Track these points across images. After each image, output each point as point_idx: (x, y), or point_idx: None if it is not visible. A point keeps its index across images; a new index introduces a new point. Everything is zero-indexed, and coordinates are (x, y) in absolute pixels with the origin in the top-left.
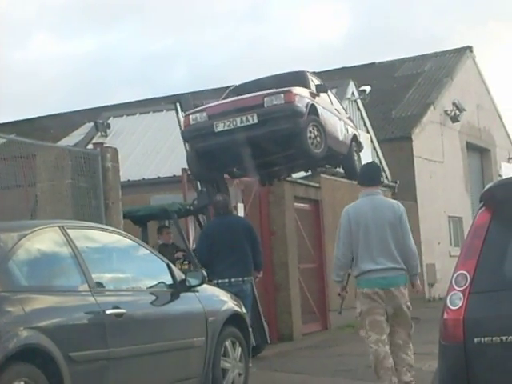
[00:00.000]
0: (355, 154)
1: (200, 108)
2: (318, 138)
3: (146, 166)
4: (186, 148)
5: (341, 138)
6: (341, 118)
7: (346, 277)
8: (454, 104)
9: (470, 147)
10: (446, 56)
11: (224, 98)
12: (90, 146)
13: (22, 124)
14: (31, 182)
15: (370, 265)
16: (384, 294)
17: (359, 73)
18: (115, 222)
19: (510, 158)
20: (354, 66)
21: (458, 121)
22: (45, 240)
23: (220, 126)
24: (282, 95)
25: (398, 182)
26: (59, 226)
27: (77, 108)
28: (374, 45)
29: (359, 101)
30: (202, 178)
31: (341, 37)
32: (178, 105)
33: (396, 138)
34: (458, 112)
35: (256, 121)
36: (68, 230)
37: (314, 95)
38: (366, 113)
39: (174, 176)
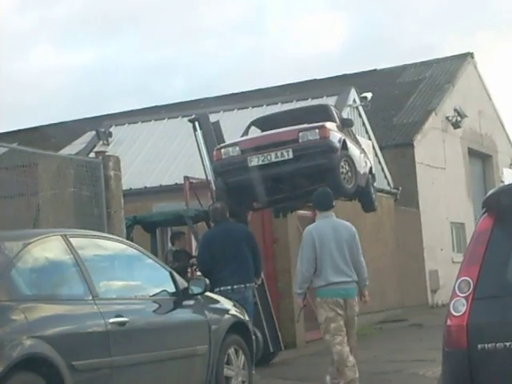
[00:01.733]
0: (371, 186)
1: (232, 142)
2: (349, 174)
3: (148, 175)
4: (204, 176)
5: (362, 171)
6: (361, 151)
7: (306, 289)
8: (455, 110)
9: (472, 153)
10: (448, 62)
11: (246, 130)
12: (91, 155)
13: (23, 133)
14: (33, 191)
15: (334, 277)
16: (344, 303)
17: (360, 79)
18: (117, 231)
19: (511, 164)
20: (356, 73)
21: (460, 127)
22: (47, 249)
23: (254, 161)
24: (317, 130)
25: (400, 188)
26: (62, 235)
27: (78, 117)
28: (371, 55)
29: (361, 107)
30: (230, 212)
31: (337, 47)
32: (196, 123)
33: (398, 144)
34: (459, 118)
35: (291, 156)
36: (71, 239)
37: (340, 129)
38: (368, 119)
39: (176, 184)
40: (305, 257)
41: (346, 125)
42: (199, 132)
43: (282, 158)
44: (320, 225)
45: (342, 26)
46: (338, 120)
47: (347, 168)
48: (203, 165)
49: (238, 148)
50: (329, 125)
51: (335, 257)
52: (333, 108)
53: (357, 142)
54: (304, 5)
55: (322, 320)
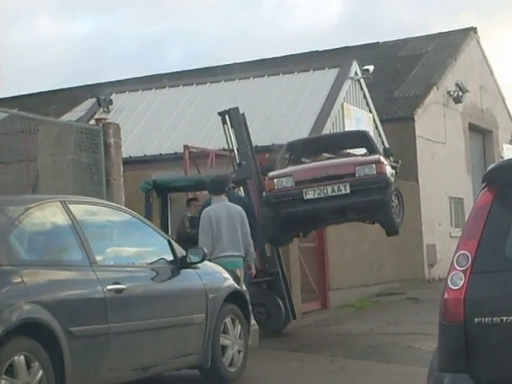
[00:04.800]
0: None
1: (286, 172)
2: (398, 207)
3: (148, 143)
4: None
5: None
6: None
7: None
8: (457, 85)
9: (473, 128)
10: (450, 37)
11: (282, 154)
12: (92, 122)
13: (24, 99)
14: (33, 157)
15: (222, 252)
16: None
17: (362, 52)
18: (116, 198)
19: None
20: (357, 46)
21: (461, 102)
22: (46, 215)
23: (310, 194)
24: (374, 165)
25: (400, 162)
26: (61, 201)
27: (79, 84)
28: (366, 29)
29: (362, 80)
30: (275, 241)
31: (332, 21)
32: (226, 117)
33: (399, 118)
34: (460, 93)
35: (348, 191)
36: (69, 205)
37: (386, 160)
38: (369, 92)
39: (176, 153)
40: (204, 233)
41: (387, 154)
42: (229, 125)
43: (339, 193)
44: (216, 207)
45: (333, 2)
46: (378, 148)
47: (396, 202)
48: (231, 156)
49: (292, 179)
50: (382, 159)
51: (226, 235)
52: (371, 135)
53: None
54: None
55: None
